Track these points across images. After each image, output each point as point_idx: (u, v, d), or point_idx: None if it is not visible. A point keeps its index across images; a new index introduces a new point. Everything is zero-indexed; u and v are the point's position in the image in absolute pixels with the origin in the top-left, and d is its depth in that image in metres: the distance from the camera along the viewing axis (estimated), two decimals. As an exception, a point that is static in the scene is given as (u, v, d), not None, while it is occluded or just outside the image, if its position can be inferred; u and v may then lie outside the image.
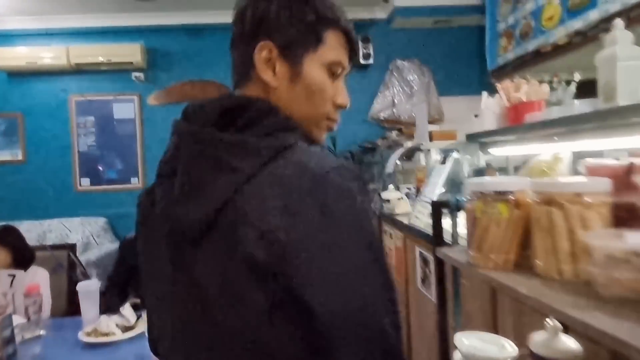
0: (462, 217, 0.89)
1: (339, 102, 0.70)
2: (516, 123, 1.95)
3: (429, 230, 2.09)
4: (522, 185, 0.69)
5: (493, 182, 0.72)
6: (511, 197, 0.69)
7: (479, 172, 2.80)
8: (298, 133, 0.63)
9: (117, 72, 4.48)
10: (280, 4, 0.65)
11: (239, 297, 0.54)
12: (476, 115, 2.17)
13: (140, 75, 4.49)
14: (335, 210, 0.54)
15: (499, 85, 2.05)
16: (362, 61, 4.51)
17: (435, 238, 0.98)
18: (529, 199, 0.68)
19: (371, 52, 4.53)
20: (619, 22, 1.42)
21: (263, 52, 0.64)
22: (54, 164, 4.50)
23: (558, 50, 3.10)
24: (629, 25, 1.47)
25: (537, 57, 3.35)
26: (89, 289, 1.69)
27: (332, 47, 0.67)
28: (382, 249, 0.58)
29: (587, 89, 2.42)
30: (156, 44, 4.53)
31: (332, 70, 0.68)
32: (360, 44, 4.51)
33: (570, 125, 1.54)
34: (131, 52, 4.32)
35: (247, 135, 0.59)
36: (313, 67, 0.66)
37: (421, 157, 3.05)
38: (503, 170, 2.68)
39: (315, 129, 0.70)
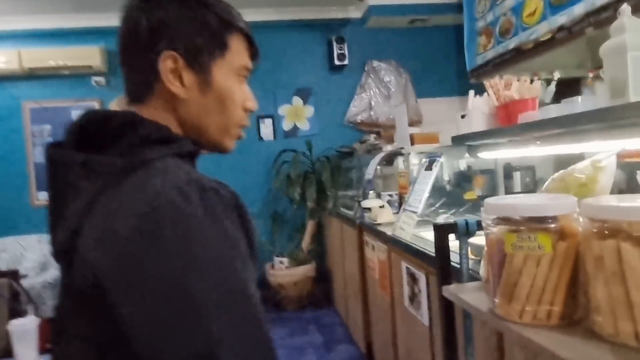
0: (475, 243, 0.70)
1: (249, 107, 0.69)
2: (508, 123, 1.78)
3: (418, 244, 1.91)
4: (569, 208, 0.50)
5: (527, 204, 0.52)
6: (552, 225, 0.50)
7: (461, 177, 2.63)
8: (176, 145, 0.60)
9: (76, 77, 4.17)
10: (180, 11, 0.62)
11: (75, 333, 0.54)
12: (463, 116, 2.00)
13: (101, 79, 4.20)
14: (165, 237, 0.49)
15: (487, 83, 1.89)
16: (336, 62, 4.33)
17: (442, 272, 0.79)
18: (579, 226, 0.49)
19: (346, 52, 4.35)
20: (626, 8, 1.26)
21: (168, 62, 0.61)
22: (6, 177, 4.15)
23: (540, 47, 2.98)
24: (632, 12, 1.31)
25: (518, 55, 3.22)
26: (24, 328, 1.43)
27: (237, 52, 0.66)
28: (236, 288, 0.50)
29: (566, 88, 2.30)
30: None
31: (240, 75, 0.67)
32: (334, 44, 4.33)
33: (574, 126, 1.37)
34: (90, 55, 4.03)
35: (107, 153, 0.56)
36: (222, 74, 0.64)
37: (402, 162, 2.87)
38: (489, 174, 2.52)
39: (227, 138, 0.68)
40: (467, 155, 2.07)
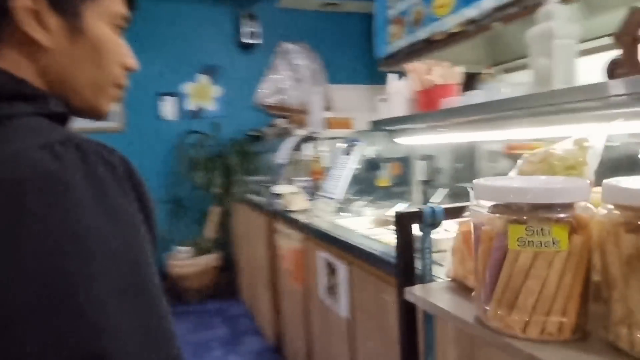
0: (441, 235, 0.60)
1: (129, 64, 0.60)
2: (429, 109, 1.75)
3: (337, 232, 1.82)
4: (584, 194, 0.40)
5: (539, 187, 0.41)
6: (566, 214, 0.40)
7: (372, 164, 2.61)
8: (41, 103, 0.50)
9: None
10: None
11: None
12: (383, 100, 1.94)
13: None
14: (33, 215, 0.38)
15: (408, 67, 1.84)
16: (246, 40, 4.10)
17: (403, 271, 0.67)
18: (591, 216, 0.40)
19: (258, 30, 4.14)
20: (553, -6, 1.26)
21: (26, 0, 0.49)
22: None
23: (450, 39, 3.04)
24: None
25: (429, 45, 3.27)
26: None
27: None
28: (134, 279, 0.41)
29: (469, 83, 2.37)
30: None
31: (115, 25, 0.58)
32: (243, 20, 4.09)
33: (499, 112, 1.36)
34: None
35: None
36: (95, 21, 0.55)
37: (314, 147, 2.77)
38: (404, 161, 2.52)
39: (102, 98, 0.58)
40: (394, 140, 2.02)
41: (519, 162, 0.60)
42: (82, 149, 0.41)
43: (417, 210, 0.67)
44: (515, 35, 1.94)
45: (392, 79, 1.87)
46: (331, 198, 1.85)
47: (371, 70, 4.31)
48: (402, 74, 3.05)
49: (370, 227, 1.90)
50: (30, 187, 0.38)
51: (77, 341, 0.37)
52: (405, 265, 0.66)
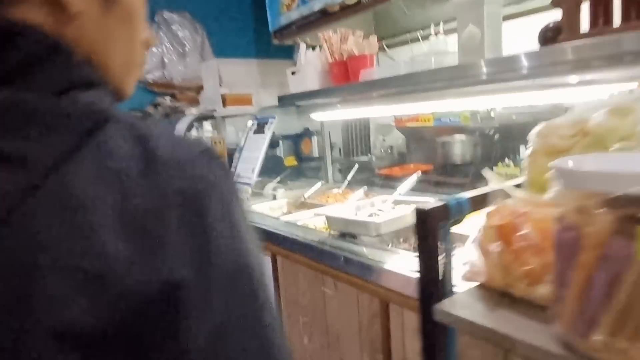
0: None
1: (150, 40, 0.51)
2: (343, 81, 1.65)
3: (257, 220, 1.65)
4: None
5: None
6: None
7: (277, 144, 2.47)
8: (104, 92, 0.41)
9: None
10: None
11: None
12: (293, 73, 1.79)
13: None
14: (213, 220, 0.37)
15: (321, 36, 1.71)
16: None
17: (428, 285, 0.54)
18: None
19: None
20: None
21: None
22: None
23: (346, 10, 2.97)
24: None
25: (324, 17, 3.17)
26: None
27: None
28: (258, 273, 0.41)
29: None
30: None
31: None
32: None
33: (427, 83, 1.30)
34: None
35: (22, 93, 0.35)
36: None
37: (211, 127, 2.52)
38: (312, 137, 2.41)
39: (130, 78, 0.47)
40: (310, 116, 1.88)
41: (533, 140, 0.52)
42: (217, 159, 0.40)
43: (443, 204, 0.55)
44: (401, 9, 1.91)
45: (303, 49, 1.73)
46: (247, 184, 1.67)
47: (264, 42, 4.09)
48: (295, 47, 2.92)
49: (287, 211, 1.77)
50: (208, 200, 0.37)
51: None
52: (430, 280, 0.53)
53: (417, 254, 0.56)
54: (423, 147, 2.40)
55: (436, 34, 1.62)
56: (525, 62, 1.01)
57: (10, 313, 0.32)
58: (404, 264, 1.05)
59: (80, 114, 0.36)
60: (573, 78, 0.98)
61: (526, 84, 1.08)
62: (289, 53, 2.93)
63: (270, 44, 2.98)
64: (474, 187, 1.96)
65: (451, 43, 1.45)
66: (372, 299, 1.11)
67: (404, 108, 1.63)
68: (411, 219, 1.34)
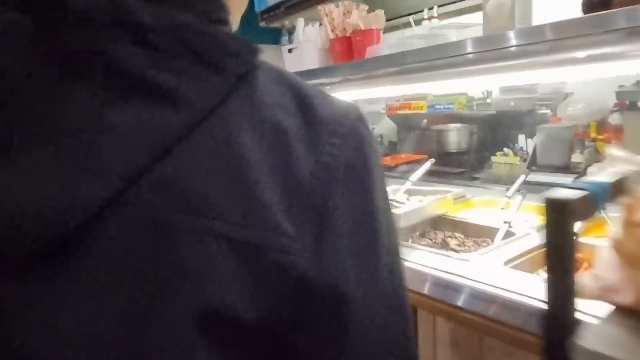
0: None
1: None
2: (349, 59, 1.52)
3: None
4: None
5: None
6: None
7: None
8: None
9: None
10: None
11: None
12: (290, 51, 1.65)
13: None
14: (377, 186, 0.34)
15: (322, 9, 1.58)
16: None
17: (561, 311, 0.39)
18: None
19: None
20: None
21: None
22: None
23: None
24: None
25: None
26: None
27: None
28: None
29: None
30: None
31: None
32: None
33: (448, 58, 1.19)
34: None
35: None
36: None
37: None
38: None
39: (234, 27, 0.39)
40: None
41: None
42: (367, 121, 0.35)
43: (584, 194, 0.39)
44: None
45: (300, 24, 1.59)
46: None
47: (248, 26, 3.89)
48: (284, 31, 2.75)
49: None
50: (372, 182, 0.33)
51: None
52: (566, 299, 0.37)
53: (547, 265, 0.41)
54: (415, 135, 2.32)
55: (430, 18, 1.53)
56: (571, 31, 0.92)
57: (147, 283, 0.26)
58: (432, 262, 0.94)
59: (247, 50, 0.31)
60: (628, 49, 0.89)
61: (566, 57, 0.99)
62: (275, 38, 2.76)
63: (256, 27, 2.79)
64: (472, 178, 1.88)
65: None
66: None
67: (415, 88, 1.52)
68: (434, 211, 1.25)
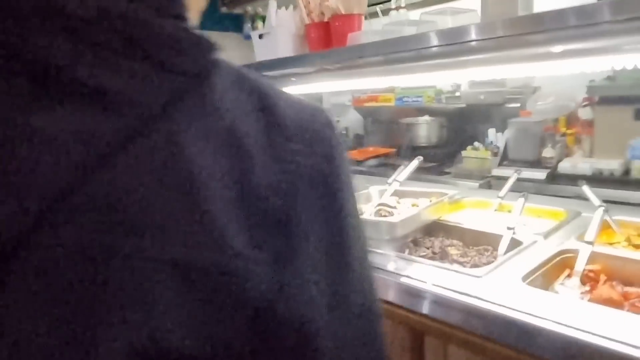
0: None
1: None
2: (327, 47, 1.42)
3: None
4: None
5: None
6: None
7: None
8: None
9: None
10: None
11: None
12: (261, 36, 1.52)
13: None
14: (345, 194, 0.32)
15: (297, -8, 1.46)
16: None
17: None
18: None
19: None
20: None
21: None
22: None
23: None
24: None
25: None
26: None
27: None
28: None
29: None
30: None
31: None
32: None
33: (445, 46, 1.12)
34: None
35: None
36: None
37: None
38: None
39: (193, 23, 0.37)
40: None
41: None
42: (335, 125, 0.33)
43: None
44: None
45: (273, 6, 1.47)
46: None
47: (212, 10, 3.65)
48: (246, 18, 2.58)
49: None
50: (341, 193, 0.31)
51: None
52: None
53: None
54: (383, 128, 2.26)
55: (397, 8, 1.47)
56: (581, 18, 0.87)
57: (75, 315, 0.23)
58: (437, 279, 0.82)
59: (203, 46, 0.28)
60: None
61: (576, 47, 0.95)
62: (238, 25, 2.59)
63: (216, 12, 2.57)
64: (442, 172, 1.83)
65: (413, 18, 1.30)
66: (397, 328, 0.85)
67: (400, 80, 1.45)
68: (430, 216, 1.16)
